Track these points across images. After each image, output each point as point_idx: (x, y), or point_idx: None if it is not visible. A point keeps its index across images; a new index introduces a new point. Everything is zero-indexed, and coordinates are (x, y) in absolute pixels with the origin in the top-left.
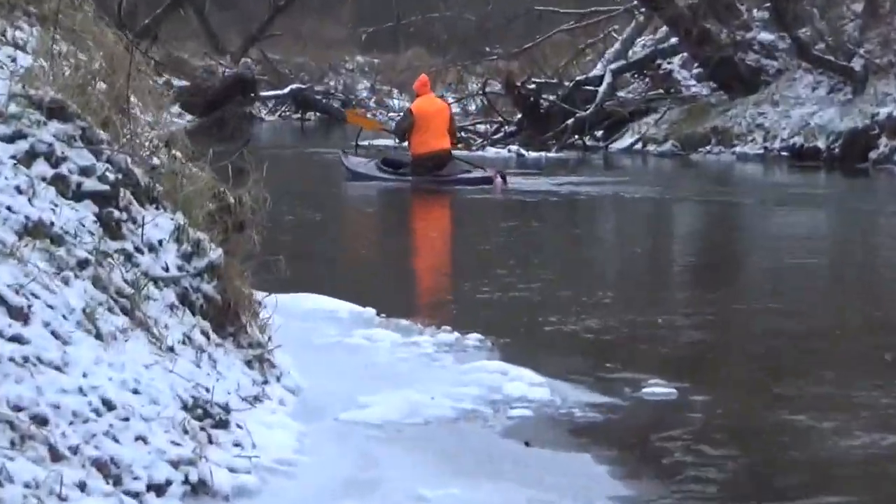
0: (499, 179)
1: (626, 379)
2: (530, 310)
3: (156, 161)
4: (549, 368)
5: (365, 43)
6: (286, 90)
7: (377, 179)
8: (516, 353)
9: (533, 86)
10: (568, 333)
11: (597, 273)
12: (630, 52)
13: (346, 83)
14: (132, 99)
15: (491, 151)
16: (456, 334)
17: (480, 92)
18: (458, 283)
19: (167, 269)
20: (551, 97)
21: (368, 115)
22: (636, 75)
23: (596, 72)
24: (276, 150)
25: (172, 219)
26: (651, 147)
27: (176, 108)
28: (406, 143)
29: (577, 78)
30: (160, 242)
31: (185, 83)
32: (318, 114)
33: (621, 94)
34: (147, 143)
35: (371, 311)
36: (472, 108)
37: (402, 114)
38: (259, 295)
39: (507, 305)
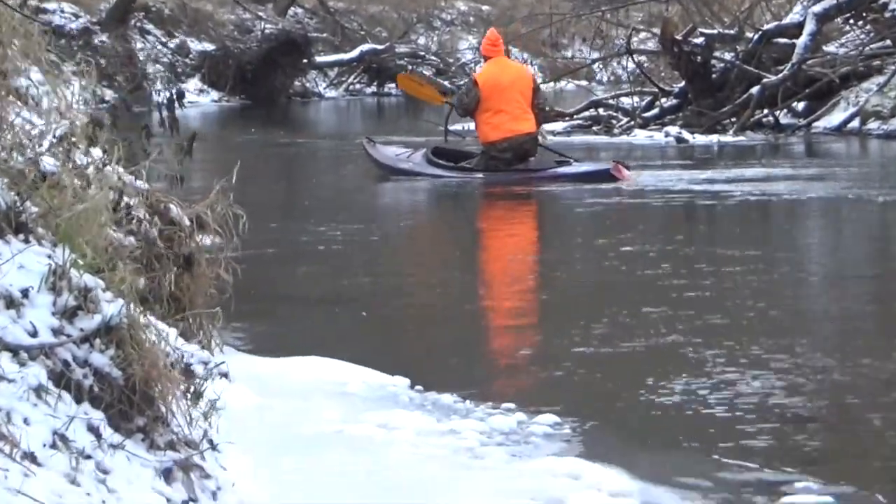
0: (626, 172)
1: (761, 482)
2: (637, 375)
3: (47, 165)
4: (647, 467)
5: None
6: (355, 53)
7: (426, 176)
8: (603, 443)
9: (701, 39)
10: (687, 412)
11: (755, 320)
12: None
13: (442, 41)
14: (30, 75)
15: (641, 136)
16: (518, 416)
17: (625, 50)
18: (538, 336)
19: (34, 334)
20: (728, 55)
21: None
22: (851, 21)
23: (792, 17)
24: (325, 140)
25: (50, 256)
26: (873, 125)
27: (195, 82)
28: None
29: (766, 27)
30: (25, 293)
31: (209, 47)
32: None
33: (830, 48)
34: (30, 141)
35: (401, 381)
36: (624, 73)
37: (464, 85)
38: (212, 362)
39: (603, 369)
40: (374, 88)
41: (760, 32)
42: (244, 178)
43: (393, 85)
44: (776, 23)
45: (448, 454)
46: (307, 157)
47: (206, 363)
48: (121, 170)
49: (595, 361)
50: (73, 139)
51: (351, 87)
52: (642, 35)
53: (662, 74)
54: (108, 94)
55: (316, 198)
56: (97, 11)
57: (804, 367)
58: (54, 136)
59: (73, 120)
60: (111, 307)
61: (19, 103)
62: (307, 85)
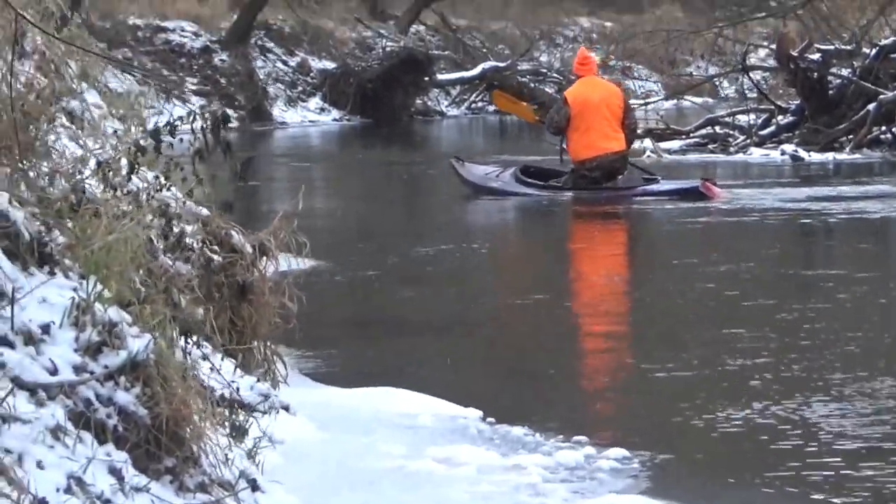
0: (716, 189)
1: None
2: (713, 404)
3: (86, 192)
4: None
5: None
6: (477, 71)
7: (515, 195)
8: (670, 479)
9: (817, 56)
10: (759, 444)
11: (842, 347)
12: None
13: (564, 58)
14: (86, 97)
15: (757, 154)
16: (587, 450)
17: (739, 66)
18: (620, 362)
19: (54, 371)
20: (845, 71)
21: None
22: None
23: None
24: (440, 160)
25: (76, 288)
26: None
27: (316, 101)
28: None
29: (884, 42)
30: (45, 328)
31: (329, 65)
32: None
33: None
34: (69, 168)
35: (473, 413)
36: (743, 90)
37: (555, 103)
38: (271, 395)
39: (680, 397)
40: (496, 106)
41: (878, 48)
42: (349, 198)
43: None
44: (894, 38)
45: (508, 491)
46: (418, 176)
47: (265, 396)
48: (179, 195)
49: (673, 389)
50: (112, 166)
51: (473, 105)
52: (763, 52)
53: (780, 91)
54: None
55: (414, 217)
56: (218, 30)
57: (885, 398)
58: (97, 163)
59: (119, 145)
60: (137, 342)
61: (72, 127)
62: (429, 103)
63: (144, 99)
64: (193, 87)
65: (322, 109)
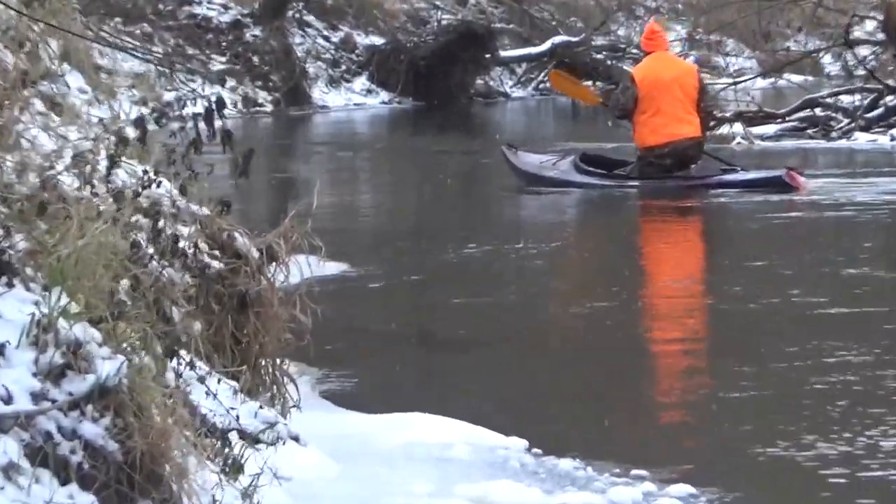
0: (801, 179)
1: None
2: (790, 431)
3: (59, 189)
4: None
5: None
6: (545, 47)
7: (575, 186)
8: None
9: None
10: (838, 481)
11: None
12: None
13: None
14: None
15: (862, 139)
16: (646, 487)
17: (842, 40)
18: (686, 381)
19: (9, 400)
20: None
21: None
22: None
23: None
24: (485, 151)
25: (37, 302)
26: None
27: (362, 81)
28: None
29: None
30: (0, 349)
31: (377, 40)
32: (598, 84)
33: None
34: (41, 161)
35: (517, 443)
36: (855, 66)
37: (621, 83)
38: (279, 424)
39: (757, 423)
40: (554, 88)
41: None
42: (395, 191)
43: (589, 82)
44: None
45: None
46: (473, 166)
47: (270, 424)
48: (174, 192)
49: (749, 413)
50: (90, 159)
51: (541, 85)
52: (871, 24)
53: (890, 69)
54: (262, 97)
55: (465, 212)
56: (250, 3)
57: None
58: (73, 155)
59: (100, 136)
60: (108, 365)
61: (50, 114)
62: (491, 83)
63: (166, 80)
64: (222, 67)
65: (368, 91)
